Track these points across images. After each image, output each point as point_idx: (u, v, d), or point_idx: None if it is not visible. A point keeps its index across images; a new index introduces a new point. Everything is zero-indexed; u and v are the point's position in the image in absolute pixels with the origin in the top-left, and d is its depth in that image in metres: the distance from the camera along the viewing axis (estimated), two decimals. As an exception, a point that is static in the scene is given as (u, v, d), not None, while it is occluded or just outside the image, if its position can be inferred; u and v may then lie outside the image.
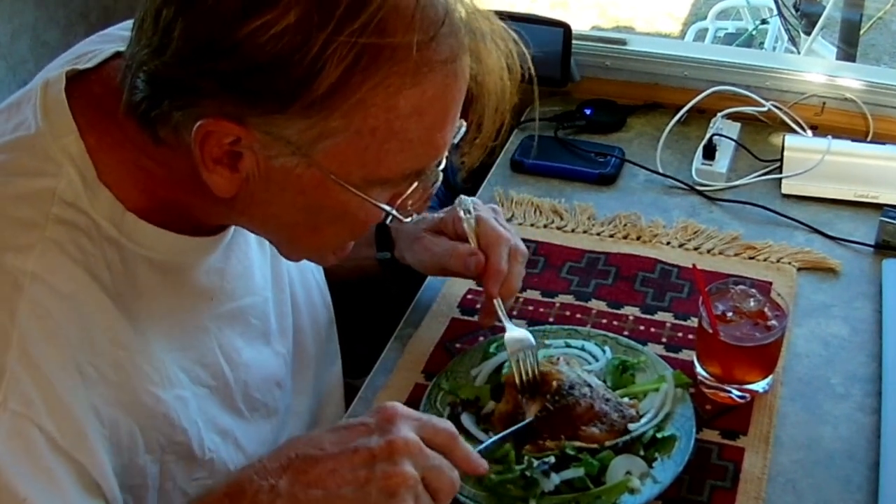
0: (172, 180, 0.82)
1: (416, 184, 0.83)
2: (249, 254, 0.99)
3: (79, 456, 0.77)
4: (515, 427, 1.01)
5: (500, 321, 1.10)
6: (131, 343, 0.83)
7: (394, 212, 0.84)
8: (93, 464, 0.78)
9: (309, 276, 1.13)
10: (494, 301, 1.09)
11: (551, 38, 1.58)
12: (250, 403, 1.00)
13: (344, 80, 0.72)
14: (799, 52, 3.76)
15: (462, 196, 1.13)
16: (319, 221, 0.84)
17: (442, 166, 0.84)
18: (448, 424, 0.86)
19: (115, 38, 0.86)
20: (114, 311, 0.82)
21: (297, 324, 1.09)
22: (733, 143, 1.50)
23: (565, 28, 1.58)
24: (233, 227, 0.94)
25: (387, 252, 1.18)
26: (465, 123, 0.85)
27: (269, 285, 1.03)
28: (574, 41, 1.59)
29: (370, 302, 1.32)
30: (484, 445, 0.98)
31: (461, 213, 1.11)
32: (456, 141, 0.84)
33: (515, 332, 1.08)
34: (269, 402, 1.03)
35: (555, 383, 1.03)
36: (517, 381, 1.05)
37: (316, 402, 1.14)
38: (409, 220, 0.86)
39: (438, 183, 0.86)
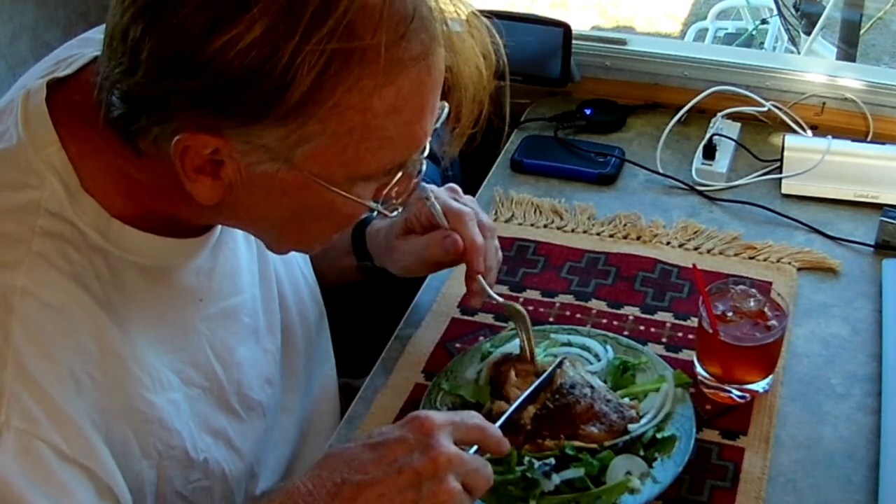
0: (157, 187, 0.82)
1: (400, 174, 0.83)
2: (237, 252, 0.99)
3: (88, 463, 0.78)
4: (537, 383, 1.02)
5: (489, 298, 1.09)
6: (122, 349, 0.83)
7: (379, 207, 0.84)
8: (103, 469, 0.79)
9: (296, 272, 1.13)
10: (480, 278, 1.08)
11: (551, 38, 1.58)
12: (245, 403, 1.00)
13: (316, 87, 0.71)
14: (799, 52, 3.76)
15: (421, 184, 1.12)
16: (305, 220, 0.84)
17: (425, 154, 0.84)
18: (475, 417, 0.88)
19: (94, 41, 0.85)
20: (104, 319, 0.82)
21: (286, 320, 1.09)
22: (733, 143, 1.50)
23: (565, 28, 1.57)
24: (220, 227, 0.94)
25: (367, 262, 1.18)
26: (446, 105, 0.84)
27: (256, 282, 1.03)
28: (574, 41, 1.59)
29: (369, 302, 1.32)
30: (512, 409, 1.00)
31: (424, 201, 1.09)
32: (438, 125, 0.84)
33: (511, 303, 1.09)
34: (262, 400, 1.03)
35: (557, 381, 1.03)
36: (526, 347, 1.07)
37: (308, 398, 1.14)
38: (394, 214, 0.87)
39: (423, 170, 0.86)
